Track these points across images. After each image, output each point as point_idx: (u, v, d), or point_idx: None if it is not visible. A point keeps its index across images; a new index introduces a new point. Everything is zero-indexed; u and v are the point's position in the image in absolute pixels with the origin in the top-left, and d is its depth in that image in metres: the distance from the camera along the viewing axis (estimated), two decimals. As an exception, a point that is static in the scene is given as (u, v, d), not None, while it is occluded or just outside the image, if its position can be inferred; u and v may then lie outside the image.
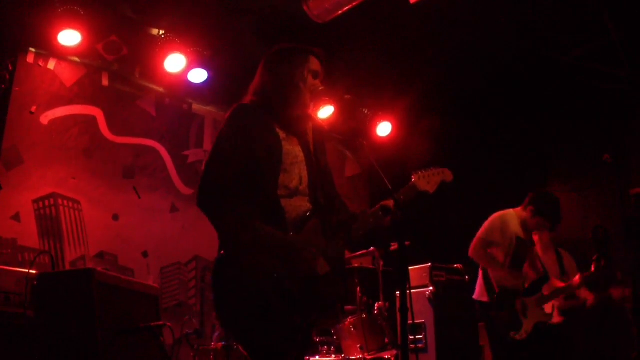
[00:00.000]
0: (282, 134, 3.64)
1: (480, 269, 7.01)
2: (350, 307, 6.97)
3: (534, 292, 6.83)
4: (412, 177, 4.01)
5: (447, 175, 4.15)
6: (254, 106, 3.68)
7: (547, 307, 7.04)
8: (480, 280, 6.99)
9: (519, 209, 7.04)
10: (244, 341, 3.39)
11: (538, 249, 7.93)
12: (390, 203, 3.77)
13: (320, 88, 3.80)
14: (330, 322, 6.62)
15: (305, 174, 3.66)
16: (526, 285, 6.88)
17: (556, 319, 7.59)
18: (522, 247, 6.88)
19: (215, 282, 3.39)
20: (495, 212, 7.17)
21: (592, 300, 7.65)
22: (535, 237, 7.70)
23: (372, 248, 7.22)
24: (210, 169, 3.47)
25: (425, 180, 4.02)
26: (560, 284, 7.19)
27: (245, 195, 3.42)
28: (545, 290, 6.97)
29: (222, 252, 3.42)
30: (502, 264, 6.77)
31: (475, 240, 6.93)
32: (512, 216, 6.99)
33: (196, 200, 3.45)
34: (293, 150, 3.64)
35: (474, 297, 7.06)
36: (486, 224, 6.98)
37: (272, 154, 3.53)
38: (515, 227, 6.91)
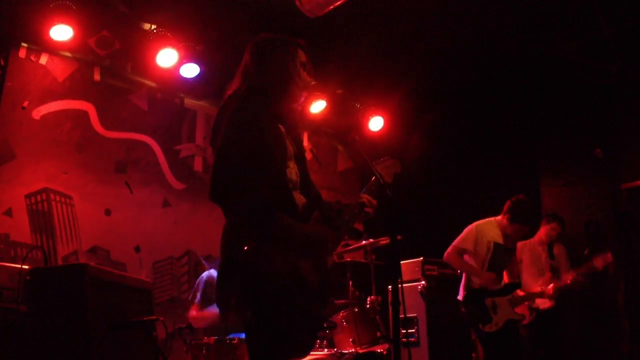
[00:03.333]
0: (283, 129, 3.67)
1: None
2: (342, 300, 6.98)
3: (506, 293, 7.10)
4: (377, 167, 4.06)
5: (398, 166, 4.25)
6: (254, 97, 3.66)
7: (520, 309, 7.28)
8: (463, 282, 7.17)
9: (499, 217, 7.23)
10: (271, 330, 3.33)
11: (536, 243, 8.10)
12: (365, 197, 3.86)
13: (313, 83, 3.82)
14: (326, 312, 6.66)
15: (297, 168, 3.70)
16: (500, 287, 7.13)
17: (548, 303, 7.71)
18: (499, 252, 7.07)
19: (246, 274, 3.29)
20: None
21: (573, 277, 7.70)
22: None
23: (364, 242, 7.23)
24: (224, 160, 3.39)
25: (385, 170, 4.10)
26: (535, 289, 7.43)
27: (262, 186, 3.37)
28: (520, 293, 7.28)
29: (246, 247, 3.28)
30: (480, 269, 6.97)
31: (450, 247, 7.26)
32: (491, 224, 7.30)
33: (209, 193, 3.36)
34: (289, 145, 3.66)
35: (458, 297, 7.21)
36: (463, 233, 7.28)
37: (280, 148, 3.55)
38: (493, 234, 7.16)
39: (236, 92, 3.72)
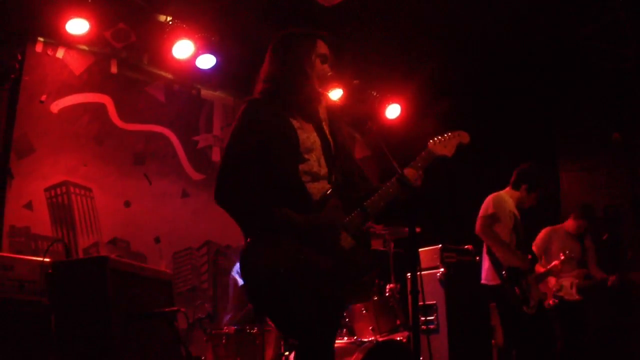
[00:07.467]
0: (296, 123, 3.66)
1: (485, 254, 7.00)
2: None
3: (531, 271, 6.95)
4: (428, 143, 3.98)
5: (464, 137, 4.14)
6: (264, 98, 3.71)
7: (542, 287, 7.28)
8: (487, 265, 6.95)
9: (507, 189, 7.12)
10: (277, 321, 3.55)
11: (564, 233, 8.09)
12: (408, 172, 3.75)
13: (329, 73, 3.80)
14: (361, 296, 6.53)
15: (322, 158, 3.69)
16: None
17: (574, 297, 7.70)
18: (519, 225, 6.95)
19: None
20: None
21: (614, 280, 7.74)
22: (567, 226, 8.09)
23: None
24: (224, 166, 3.55)
25: (442, 145, 3.99)
26: (542, 269, 7.40)
27: (265, 184, 3.49)
28: (540, 269, 7.22)
29: (248, 240, 3.50)
30: (508, 243, 6.81)
31: (479, 218, 6.98)
32: (506, 196, 7.08)
33: (214, 197, 3.56)
34: (309, 137, 3.66)
35: (482, 281, 7.06)
36: (485, 203, 7.02)
37: (288, 144, 3.57)
38: (511, 206, 6.98)
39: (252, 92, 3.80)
